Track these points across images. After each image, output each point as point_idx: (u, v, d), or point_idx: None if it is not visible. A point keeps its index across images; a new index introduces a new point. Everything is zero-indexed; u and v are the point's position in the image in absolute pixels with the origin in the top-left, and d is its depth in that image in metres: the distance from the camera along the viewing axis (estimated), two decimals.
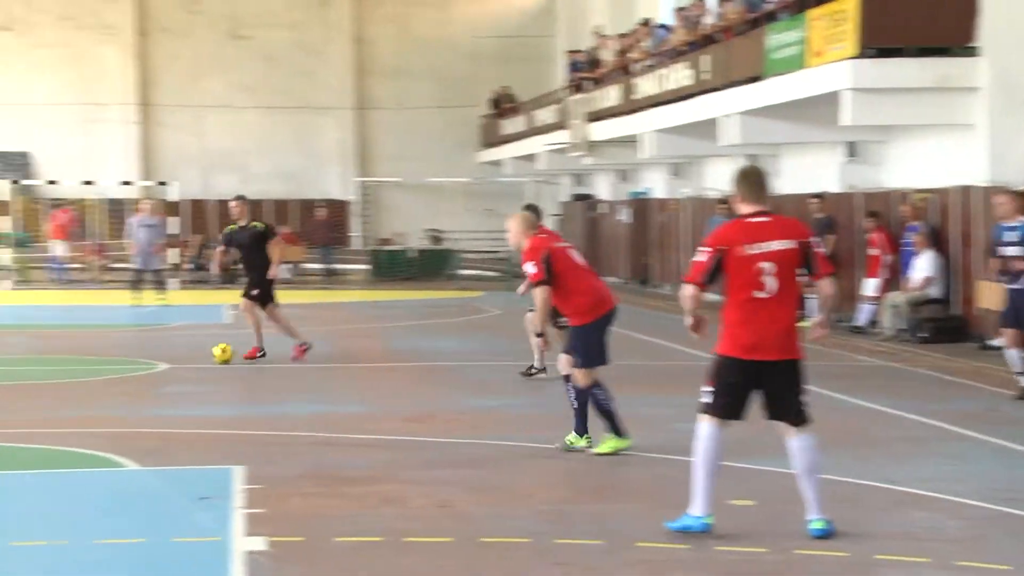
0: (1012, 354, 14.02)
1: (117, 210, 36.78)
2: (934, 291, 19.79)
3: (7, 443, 11.55)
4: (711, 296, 8.33)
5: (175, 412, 13.39)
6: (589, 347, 10.80)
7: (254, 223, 17.71)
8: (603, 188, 37.88)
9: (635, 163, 32.98)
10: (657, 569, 7.53)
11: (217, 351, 17.04)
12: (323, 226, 38.60)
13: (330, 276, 37.08)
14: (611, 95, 31.43)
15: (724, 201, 23.92)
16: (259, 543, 7.90)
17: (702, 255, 8.05)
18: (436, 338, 21.07)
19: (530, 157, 38.95)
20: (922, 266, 19.82)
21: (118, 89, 43.17)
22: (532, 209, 13.32)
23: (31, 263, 35.72)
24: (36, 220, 38.39)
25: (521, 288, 15.98)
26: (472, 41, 44.55)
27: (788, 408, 8.06)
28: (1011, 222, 14.08)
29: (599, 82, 33.15)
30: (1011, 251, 13.93)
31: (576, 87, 34.76)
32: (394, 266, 37.28)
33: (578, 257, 11.22)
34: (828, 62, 20.21)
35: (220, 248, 18.83)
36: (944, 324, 19.54)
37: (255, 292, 17.40)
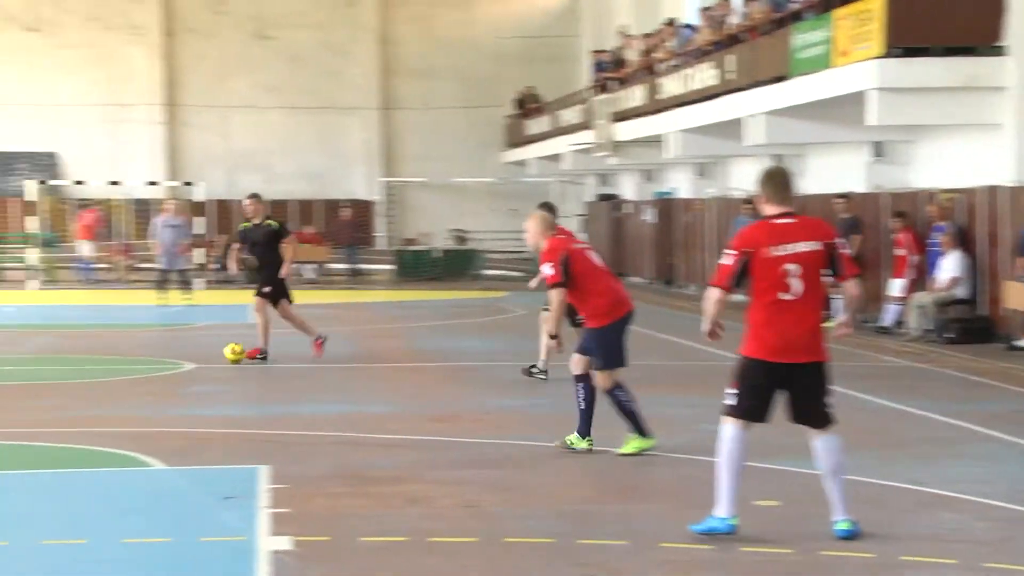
0: None
1: (143, 210, 36.92)
2: (961, 291, 19.71)
3: (35, 442, 11.61)
4: (735, 296, 8.31)
5: (201, 412, 13.44)
6: (608, 349, 10.77)
7: (268, 221, 17.68)
8: (628, 188, 37.85)
9: (660, 163, 32.95)
10: (682, 570, 7.51)
11: (228, 351, 17.05)
12: (348, 226, 38.67)
13: (355, 276, 37.14)
14: (636, 95, 31.40)
15: (749, 201, 23.88)
16: (284, 543, 7.92)
17: (728, 258, 8.01)
18: (461, 338, 21.08)
19: (555, 157, 38.95)
20: (949, 266, 19.74)
21: (144, 89, 43.35)
22: (548, 208, 13.26)
23: (58, 263, 35.89)
24: (63, 220, 38.59)
25: (533, 282, 15.98)
26: (497, 41, 44.58)
27: (813, 410, 8.03)
28: None
29: (624, 82, 33.13)
30: None
31: (601, 87, 34.74)
32: (419, 266, 37.31)
33: (596, 258, 11.16)
34: (854, 62, 20.15)
35: (235, 246, 18.79)
36: (971, 325, 19.45)
37: (267, 290, 17.40)
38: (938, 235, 20.11)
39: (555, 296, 10.88)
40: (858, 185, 23.60)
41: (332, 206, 41.99)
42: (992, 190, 19.49)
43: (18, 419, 12.78)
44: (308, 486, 9.57)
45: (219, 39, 43.81)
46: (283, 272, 17.38)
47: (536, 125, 41.08)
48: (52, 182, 38.42)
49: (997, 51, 19.39)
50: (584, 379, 10.89)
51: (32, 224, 34.53)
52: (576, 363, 10.95)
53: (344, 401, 14.19)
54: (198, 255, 30.82)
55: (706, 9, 28.73)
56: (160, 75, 43.52)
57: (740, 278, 7.98)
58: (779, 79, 22.84)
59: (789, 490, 9.41)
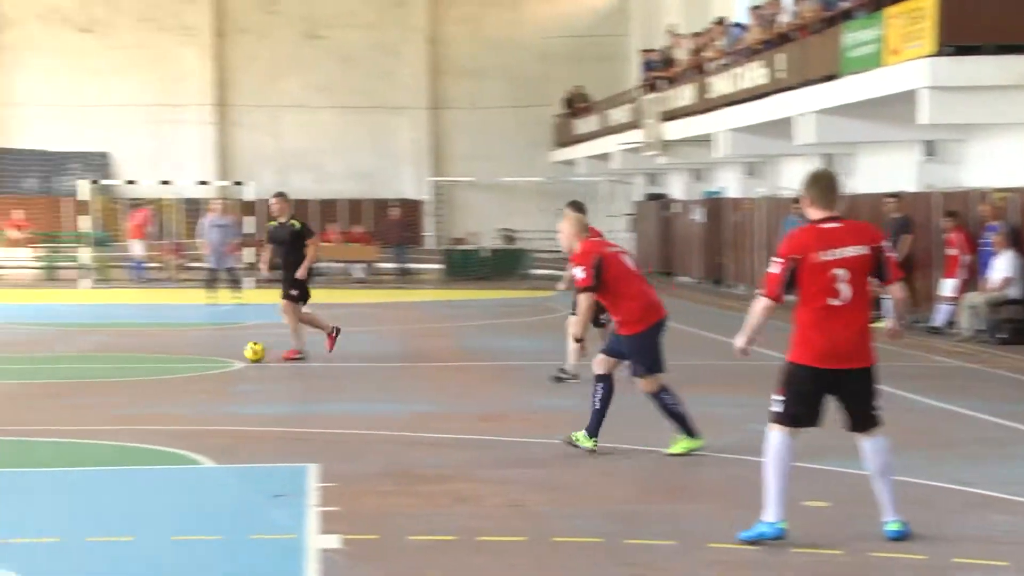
0: None
1: (194, 210, 37.16)
2: (1013, 291, 19.53)
3: (85, 439, 11.71)
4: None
5: (250, 410, 13.51)
6: (647, 354, 10.75)
7: (292, 220, 17.67)
8: (677, 187, 37.76)
9: (709, 162, 32.86)
10: (731, 570, 7.49)
11: (248, 351, 17.10)
12: (397, 226, 38.77)
13: (403, 275, 37.24)
14: (685, 94, 31.31)
15: (798, 201, 23.74)
16: (333, 541, 7.95)
17: (775, 266, 7.94)
18: (508, 337, 21.09)
19: (603, 156, 38.91)
20: (1001, 266, 19.56)
21: (196, 90, 43.65)
22: (578, 207, 13.20)
23: (110, 262, 36.18)
24: (115, 219, 38.90)
25: (561, 284, 15.93)
26: (545, 41, 44.57)
27: (861, 414, 7.98)
28: None
29: (673, 81, 33.05)
30: None
31: (650, 86, 34.67)
32: (467, 266, 37.36)
33: (630, 262, 11.10)
34: (905, 60, 20.01)
35: (267, 245, 18.77)
36: (1023, 325, 19.27)
37: (295, 293, 17.41)
38: (990, 235, 19.94)
39: (583, 300, 10.83)
40: (909, 184, 23.44)
41: (381, 206, 42.11)
42: None
43: (69, 417, 12.90)
44: (357, 484, 9.61)
45: (270, 39, 44.04)
46: (299, 273, 17.32)
47: (585, 124, 41.05)
48: (104, 182, 38.73)
49: None
50: (604, 379, 10.85)
51: (84, 223, 34.83)
52: (599, 363, 10.91)
53: (392, 400, 14.22)
54: (248, 254, 31.01)
55: (756, 8, 28.62)
56: (211, 75, 43.80)
57: (788, 285, 7.93)
58: (829, 78, 22.71)
59: (838, 491, 9.36)
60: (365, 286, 34.08)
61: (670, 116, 32.21)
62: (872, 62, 21.10)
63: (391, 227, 38.77)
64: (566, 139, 43.17)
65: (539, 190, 43.95)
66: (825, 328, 7.84)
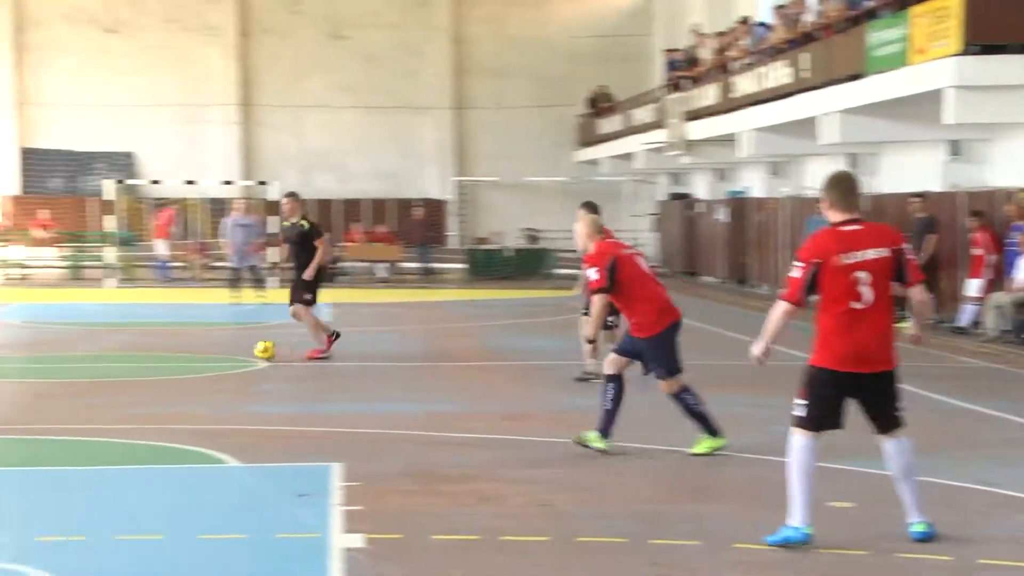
0: None
1: (218, 209, 37.24)
2: None
3: (111, 438, 11.76)
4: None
5: (274, 409, 13.54)
6: (665, 356, 10.75)
7: (302, 220, 17.70)
8: (701, 187, 37.69)
9: (733, 162, 32.79)
10: (756, 570, 7.47)
11: (258, 349, 17.12)
12: (420, 225, 38.81)
13: (427, 275, 37.27)
14: (709, 94, 31.26)
15: None
16: (357, 540, 7.97)
17: (797, 270, 7.89)
18: (532, 337, 21.09)
19: (627, 156, 38.86)
20: None
21: (220, 90, 43.76)
22: (592, 208, 13.17)
23: (135, 261, 36.31)
24: (140, 219, 39.03)
25: (578, 290, 15.88)
26: (569, 40, 44.54)
27: (885, 417, 7.94)
28: None
29: (697, 81, 32.99)
30: None
31: (674, 86, 34.62)
32: (490, 265, 37.37)
33: (644, 265, 11.08)
34: (931, 59, 19.93)
35: (285, 245, 18.82)
36: None
37: (308, 297, 17.42)
38: (1016, 234, 19.84)
39: (597, 301, 10.81)
40: (934, 184, 23.35)
41: (405, 205, 42.14)
42: None
43: (94, 416, 12.95)
44: (381, 484, 9.62)
45: (294, 39, 44.12)
46: (307, 274, 17.32)
47: (608, 124, 41.02)
48: (129, 182, 38.86)
49: None
50: (615, 379, 10.84)
51: (110, 223, 34.94)
52: (611, 363, 10.89)
53: (416, 399, 14.24)
54: (272, 254, 31.08)
55: (780, 7, 28.54)
56: (235, 75, 43.91)
57: (809, 289, 7.88)
58: (854, 77, 22.63)
59: (863, 491, 9.33)
60: (388, 286, 34.13)
61: (694, 116, 32.15)
62: (897, 61, 21.02)
63: (415, 227, 38.80)
64: (590, 139, 43.15)
65: (563, 190, 43.90)
66: (848, 332, 7.79)
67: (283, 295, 28.75)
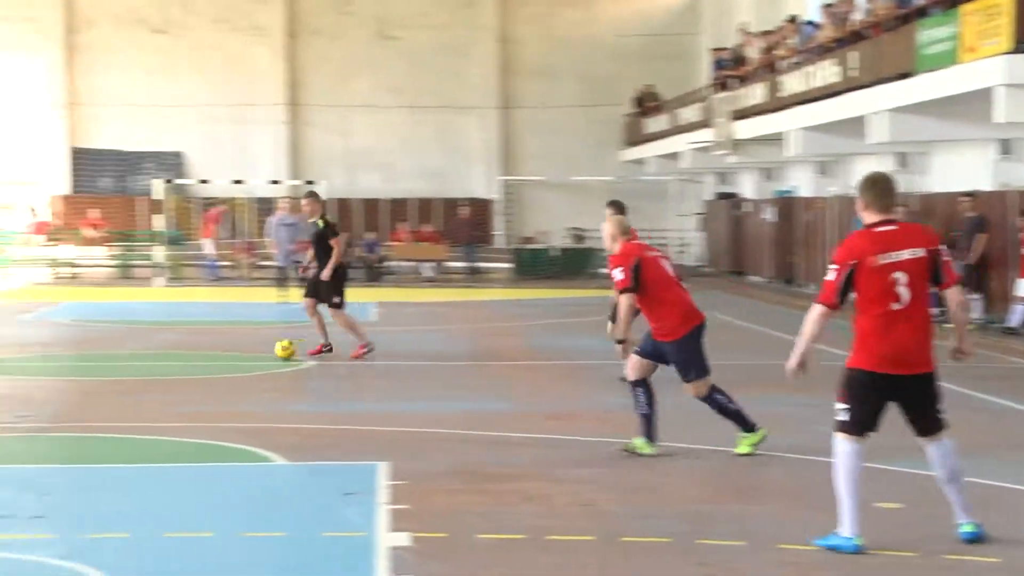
0: None
1: (266, 209, 37.44)
2: None
3: (159, 436, 11.84)
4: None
5: (320, 408, 13.60)
6: (693, 359, 10.73)
7: (320, 220, 17.70)
8: (747, 187, 37.54)
9: (780, 161, 32.64)
10: (803, 571, 7.44)
11: (279, 349, 17.16)
12: (466, 225, 38.85)
13: (473, 274, 37.31)
14: (756, 93, 31.14)
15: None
16: (403, 539, 7.99)
17: (832, 272, 7.82)
18: (578, 337, 21.07)
19: (674, 156, 38.77)
20: None
21: (268, 90, 43.97)
22: (619, 207, 13.08)
23: (183, 260, 36.56)
24: (188, 218, 39.30)
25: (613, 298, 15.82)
26: (616, 40, 44.47)
27: (926, 419, 7.86)
28: None
29: (744, 80, 32.87)
30: None
31: (721, 85, 34.50)
32: (536, 264, 37.37)
33: (668, 267, 11.05)
34: (981, 57, 19.76)
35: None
36: None
37: (336, 300, 17.44)
38: None
39: (624, 301, 10.78)
40: (984, 183, 23.16)
41: (451, 205, 42.22)
42: None
43: (142, 414, 13.05)
44: (426, 483, 9.64)
45: (342, 40, 44.27)
46: (324, 274, 17.34)
47: (655, 123, 40.93)
48: (178, 181, 39.13)
49: None
50: (641, 384, 10.82)
51: (158, 222, 35.20)
52: (633, 368, 10.85)
53: (462, 398, 14.26)
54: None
55: (828, 6, 28.39)
56: (283, 76, 44.11)
57: (845, 291, 7.81)
58: (904, 76, 22.48)
59: (910, 492, 9.27)
60: (435, 285, 34.19)
61: (741, 115, 32.04)
62: (947, 59, 20.86)
63: (461, 226, 38.85)
64: (636, 138, 43.07)
65: (609, 189, 43.67)
66: (886, 333, 7.72)
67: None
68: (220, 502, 9.25)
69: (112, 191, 43.65)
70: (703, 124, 35.01)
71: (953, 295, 7.94)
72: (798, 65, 28.42)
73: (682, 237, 41.25)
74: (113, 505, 9.16)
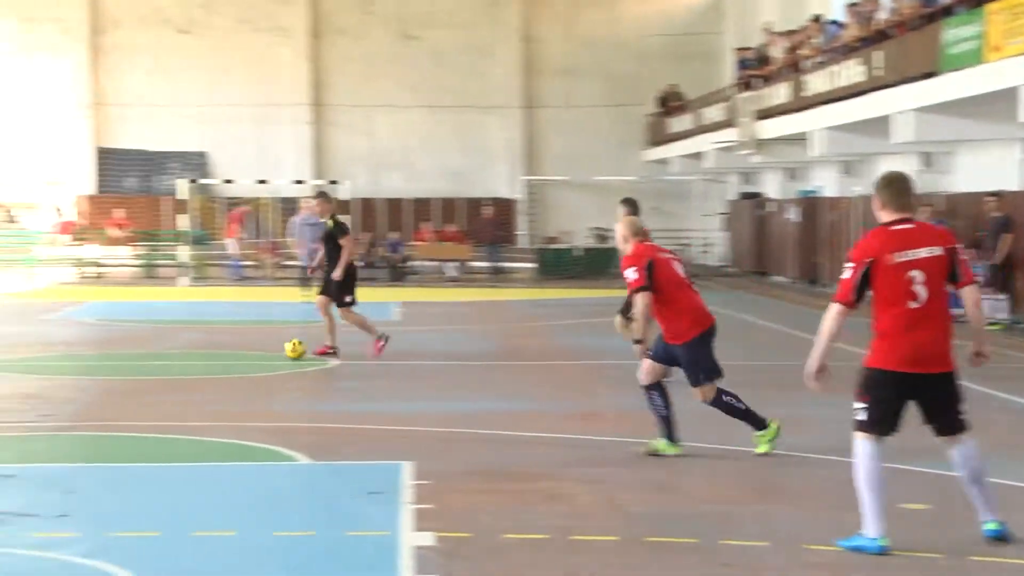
0: None
1: (290, 209, 37.54)
2: None
3: (184, 435, 11.88)
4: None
5: (345, 407, 13.62)
6: (702, 361, 10.70)
7: (329, 220, 17.69)
8: (771, 186, 37.46)
9: (804, 161, 32.55)
10: (830, 572, 7.42)
11: (288, 348, 17.17)
12: (490, 224, 38.87)
13: (496, 274, 37.32)
14: (780, 92, 31.07)
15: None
16: (427, 538, 8.00)
17: (847, 271, 7.78)
18: (602, 336, 21.02)
19: (697, 155, 38.71)
20: None
21: (292, 90, 44.09)
22: (632, 206, 13.02)
23: (208, 260, 36.67)
24: (212, 218, 39.42)
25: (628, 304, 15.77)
26: (640, 39, 44.43)
27: (947, 419, 7.82)
28: None
29: (768, 79, 32.80)
30: None
31: (745, 85, 34.43)
32: (560, 264, 37.36)
33: (680, 270, 11.03)
34: (1007, 57, 19.68)
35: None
36: None
37: (348, 299, 17.42)
38: None
39: (640, 300, 10.75)
40: (1010, 183, 23.06)
41: (474, 204, 42.24)
42: None
43: (168, 413, 13.09)
44: (450, 482, 9.65)
45: (366, 40, 44.34)
46: (335, 274, 17.33)
47: (679, 123, 40.88)
48: (202, 181, 39.26)
49: None
50: (655, 387, 10.80)
51: (183, 222, 35.33)
52: (646, 373, 10.83)
53: (485, 398, 14.27)
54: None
55: (853, 5, 28.30)
56: (307, 76, 44.21)
57: (862, 290, 7.77)
58: (929, 75, 22.40)
59: (936, 493, 9.24)
60: (458, 284, 34.21)
61: (765, 114, 31.97)
62: (972, 59, 20.78)
63: (484, 226, 38.87)
64: (660, 138, 43.02)
65: (632, 189, 43.66)
66: (904, 332, 7.68)
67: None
68: (243, 501, 9.28)
69: (137, 191, 43.84)
70: (727, 124, 34.96)
71: (969, 294, 7.88)
72: (822, 64, 28.35)
73: (706, 237, 41.19)
74: (137, 504, 9.19)
